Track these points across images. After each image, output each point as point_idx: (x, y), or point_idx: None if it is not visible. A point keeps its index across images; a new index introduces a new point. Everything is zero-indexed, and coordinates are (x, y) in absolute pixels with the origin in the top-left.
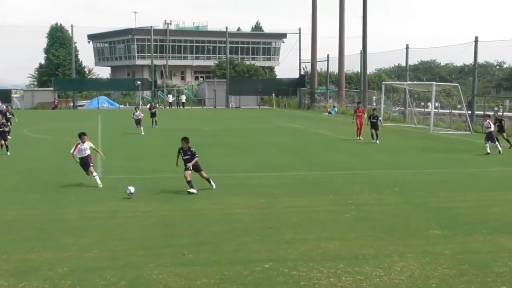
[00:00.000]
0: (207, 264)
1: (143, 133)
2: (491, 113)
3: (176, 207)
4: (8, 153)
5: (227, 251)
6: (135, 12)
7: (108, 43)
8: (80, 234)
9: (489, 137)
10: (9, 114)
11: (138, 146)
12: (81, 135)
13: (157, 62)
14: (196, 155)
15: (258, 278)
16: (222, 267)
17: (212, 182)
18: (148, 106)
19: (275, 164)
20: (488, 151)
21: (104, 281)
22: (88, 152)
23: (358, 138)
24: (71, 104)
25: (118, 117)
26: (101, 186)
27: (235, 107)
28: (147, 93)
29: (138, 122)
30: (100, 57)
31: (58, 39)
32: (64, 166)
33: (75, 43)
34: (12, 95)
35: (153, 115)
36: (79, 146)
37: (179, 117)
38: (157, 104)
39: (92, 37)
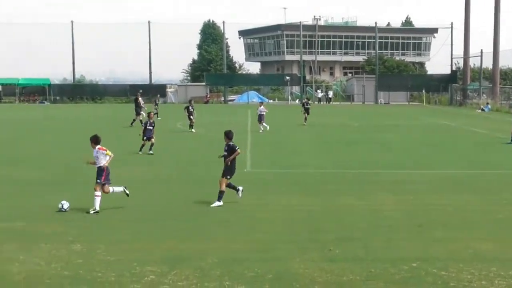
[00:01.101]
0: (354, 261)
1: (261, 130)
2: None
3: (323, 202)
4: (151, 151)
5: (374, 248)
6: (285, 8)
7: (258, 39)
8: (228, 226)
9: None
10: (191, 109)
11: (286, 141)
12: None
13: (306, 57)
14: (237, 148)
15: (406, 277)
16: (369, 264)
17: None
18: (300, 101)
19: (424, 161)
20: None
21: (252, 272)
22: (99, 162)
23: None
24: (222, 98)
25: (267, 112)
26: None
27: (384, 103)
28: (295, 89)
29: (259, 118)
30: (250, 53)
31: (210, 35)
32: (211, 159)
33: (227, 39)
34: (167, 89)
35: (306, 111)
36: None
37: (327, 112)
38: (309, 100)
39: (242, 33)
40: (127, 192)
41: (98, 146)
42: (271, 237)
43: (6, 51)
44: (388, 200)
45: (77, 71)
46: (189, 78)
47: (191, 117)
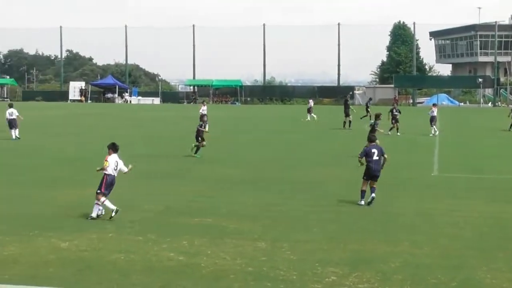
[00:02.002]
0: None
1: (431, 134)
2: None
3: None
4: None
5: None
6: (479, 8)
7: (450, 40)
8: (413, 230)
9: None
10: (396, 111)
11: (477, 144)
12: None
13: (500, 58)
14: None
15: None
16: None
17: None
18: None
19: None
20: None
21: (435, 279)
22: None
23: None
24: (411, 101)
25: (457, 115)
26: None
27: None
28: (488, 91)
29: (431, 119)
30: (441, 54)
31: (400, 36)
32: (400, 162)
33: (417, 40)
34: (354, 91)
35: None
36: None
37: None
38: None
39: (433, 34)
40: (112, 215)
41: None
42: (457, 244)
43: (202, 54)
44: None
45: (268, 72)
46: (377, 80)
47: (393, 120)
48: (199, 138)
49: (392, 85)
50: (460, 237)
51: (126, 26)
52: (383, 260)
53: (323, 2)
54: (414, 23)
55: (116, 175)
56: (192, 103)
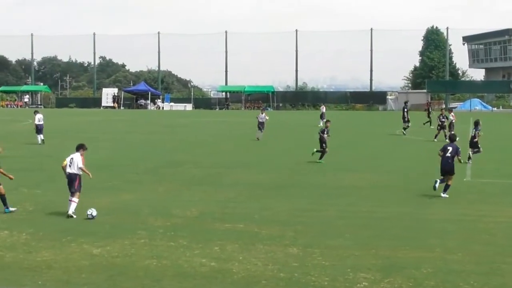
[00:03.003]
0: None
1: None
2: None
3: None
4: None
5: None
6: None
7: (483, 44)
8: (445, 235)
9: None
10: (443, 118)
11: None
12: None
13: None
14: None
15: None
16: None
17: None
18: None
19: None
20: None
21: (467, 285)
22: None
23: None
24: (443, 106)
25: (490, 120)
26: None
27: None
28: None
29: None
30: (475, 59)
31: (433, 41)
32: (432, 168)
33: (450, 45)
34: (387, 96)
35: None
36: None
37: None
38: None
39: (467, 39)
40: (70, 213)
41: None
42: (490, 250)
43: (234, 60)
44: None
45: (300, 78)
46: (409, 85)
47: (439, 127)
48: (324, 144)
49: (425, 90)
50: (492, 243)
51: (159, 33)
52: (415, 266)
53: (355, 7)
54: (447, 28)
55: (75, 172)
56: (224, 109)
